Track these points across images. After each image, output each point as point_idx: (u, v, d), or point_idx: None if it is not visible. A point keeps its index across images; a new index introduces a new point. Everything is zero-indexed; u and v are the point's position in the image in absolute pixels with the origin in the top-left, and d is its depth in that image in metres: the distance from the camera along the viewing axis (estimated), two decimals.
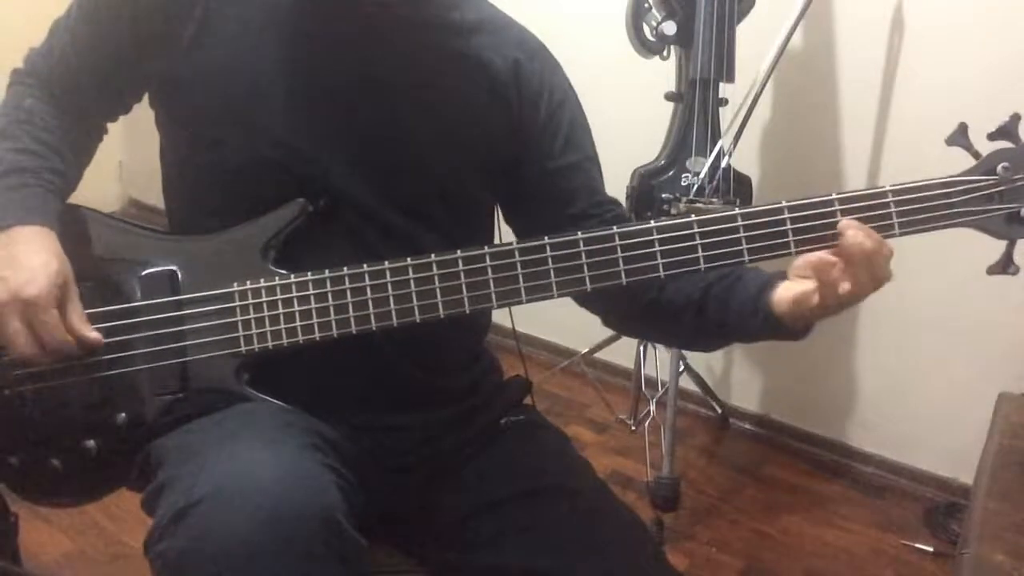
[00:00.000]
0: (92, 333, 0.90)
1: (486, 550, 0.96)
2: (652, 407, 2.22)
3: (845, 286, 0.84)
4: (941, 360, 1.99)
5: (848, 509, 2.01)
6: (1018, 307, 1.85)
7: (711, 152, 1.73)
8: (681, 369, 2.02)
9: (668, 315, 0.98)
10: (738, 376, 2.33)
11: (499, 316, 1.09)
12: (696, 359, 2.22)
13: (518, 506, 0.97)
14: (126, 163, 3.40)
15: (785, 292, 0.89)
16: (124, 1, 0.94)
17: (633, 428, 2.23)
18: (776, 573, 1.80)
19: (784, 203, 0.86)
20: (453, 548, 0.98)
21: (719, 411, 2.29)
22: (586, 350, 2.40)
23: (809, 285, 0.86)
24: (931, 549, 1.86)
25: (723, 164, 1.71)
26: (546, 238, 0.88)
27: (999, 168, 0.85)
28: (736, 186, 1.75)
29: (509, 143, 1.00)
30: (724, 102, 1.79)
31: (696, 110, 1.76)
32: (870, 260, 0.83)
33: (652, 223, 0.87)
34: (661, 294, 0.98)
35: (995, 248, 0.88)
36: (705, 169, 1.71)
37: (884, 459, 2.13)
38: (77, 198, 1.02)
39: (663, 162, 1.81)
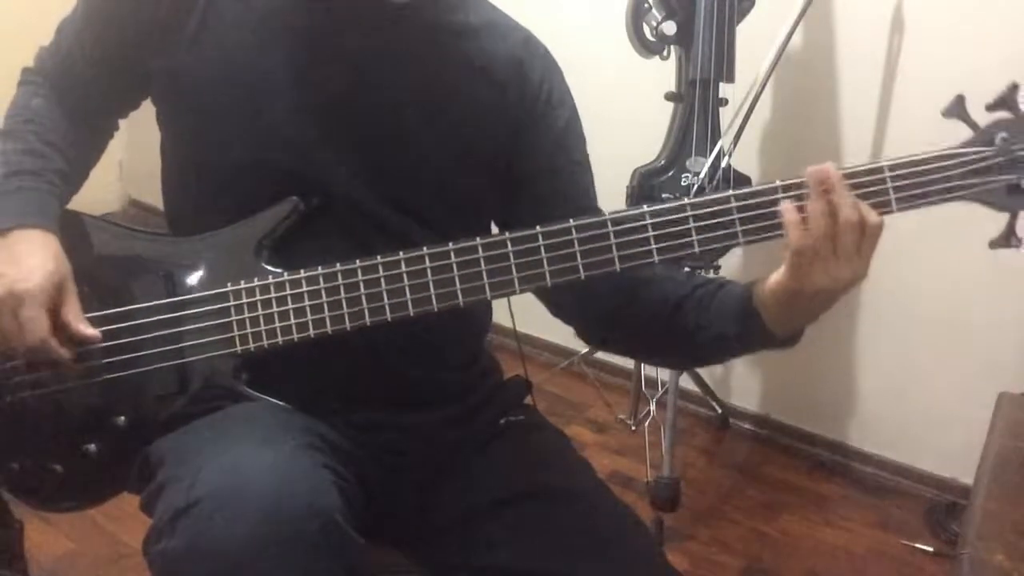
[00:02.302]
0: (89, 330, 0.90)
1: (486, 550, 0.96)
2: (652, 407, 2.22)
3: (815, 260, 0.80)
4: (941, 360, 1.99)
5: (848, 509, 2.01)
6: (1018, 307, 1.85)
7: (711, 152, 1.73)
8: None
9: (644, 316, 0.97)
10: (738, 376, 2.33)
11: (499, 316, 1.09)
12: None
13: (518, 506, 0.97)
14: (126, 163, 3.39)
15: (765, 284, 0.87)
16: None
17: (633, 428, 2.23)
18: (776, 573, 1.80)
19: (779, 183, 0.84)
20: (452, 548, 0.98)
21: (719, 411, 2.29)
22: (586, 350, 2.40)
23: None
24: (931, 549, 1.86)
25: (723, 164, 1.70)
26: (538, 227, 0.87)
27: (998, 139, 0.83)
28: (736, 186, 1.75)
29: (509, 143, 1.00)
30: (724, 102, 1.79)
31: (696, 110, 1.76)
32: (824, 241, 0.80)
33: (645, 208, 0.86)
34: (638, 295, 0.97)
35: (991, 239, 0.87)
36: (705, 169, 1.71)
37: (884, 459, 2.12)
38: (77, 197, 1.02)
39: (663, 162, 1.81)
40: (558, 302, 1.02)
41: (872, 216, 0.81)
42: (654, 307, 0.96)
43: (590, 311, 1.03)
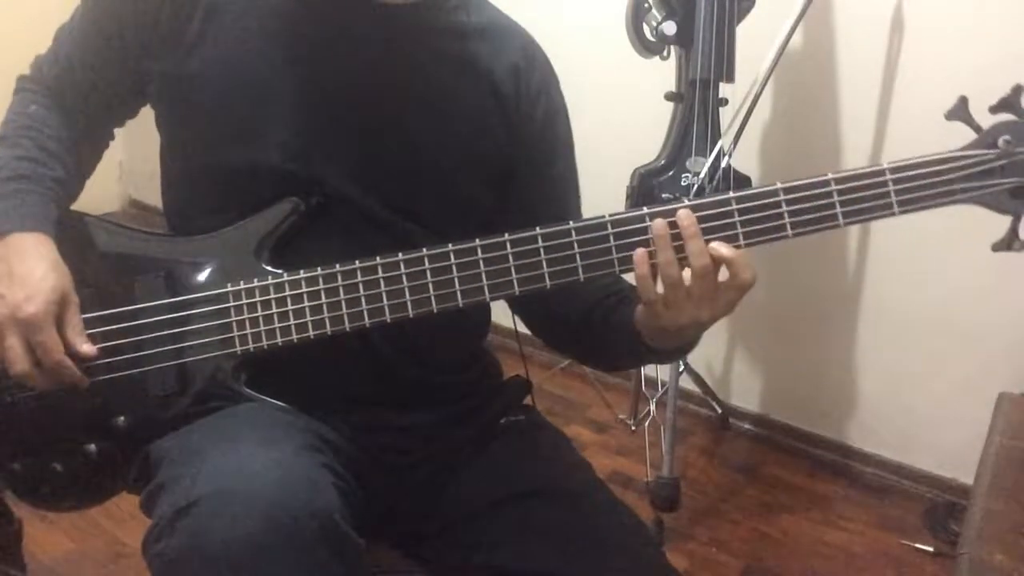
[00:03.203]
0: (85, 346, 0.90)
1: (485, 550, 0.96)
2: (652, 407, 2.22)
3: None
4: (941, 360, 1.99)
5: (848, 509, 2.01)
6: (1018, 307, 1.85)
7: (711, 152, 1.73)
8: (681, 369, 2.02)
9: (583, 336, 1.02)
10: (738, 376, 2.33)
11: (500, 316, 1.09)
12: (696, 359, 2.22)
13: (518, 506, 0.97)
14: (126, 163, 3.40)
15: (634, 314, 0.91)
16: (124, 3, 0.94)
17: (633, 428, 2.23)
18: (776, 573, 1.80)
19: (779, 185, 0.84)
20: (452, 548, 0.98)
21: (719, 411, 2.29)
22: None
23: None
24: (931, 549, 1.86)
25: (723, 164, 1.70)
26: (538, 228, 0.87)
27: (1000, 141, 0.82)
28: (736, 186, 1.75)
29: (507, 146, 1.00)
30: (724, 102, 1.78)
31: (696, 110, 1.76)
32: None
33: (644, 209, 0.86)
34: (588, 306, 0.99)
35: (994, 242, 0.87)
36: (705, 169, 1.71)
37: (884, 459, 2.12)
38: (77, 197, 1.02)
39: (663, 162, 1.81)
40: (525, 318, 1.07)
41: (732, 262, 0.82)
42: (579, 327, 1.01)
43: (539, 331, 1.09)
